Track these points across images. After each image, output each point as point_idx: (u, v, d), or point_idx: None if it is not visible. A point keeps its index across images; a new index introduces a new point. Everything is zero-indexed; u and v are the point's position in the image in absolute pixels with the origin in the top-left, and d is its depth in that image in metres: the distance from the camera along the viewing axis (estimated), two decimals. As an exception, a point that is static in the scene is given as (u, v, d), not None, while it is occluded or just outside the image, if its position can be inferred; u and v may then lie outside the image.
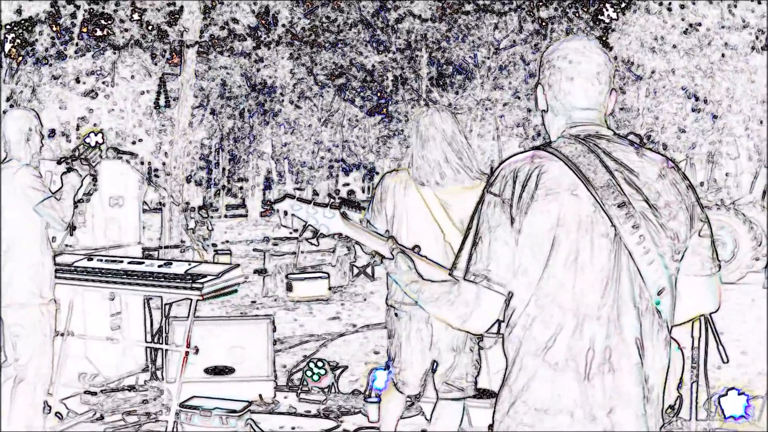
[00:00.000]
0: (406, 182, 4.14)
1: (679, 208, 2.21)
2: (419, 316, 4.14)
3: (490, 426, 5.43)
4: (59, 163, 4.96)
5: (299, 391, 6.10)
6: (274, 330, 6.18)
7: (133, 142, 16.75)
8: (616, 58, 17.32)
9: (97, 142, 4.78)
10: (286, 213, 2.68)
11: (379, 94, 24.44)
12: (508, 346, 2.23)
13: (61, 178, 4.65)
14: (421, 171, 4.12)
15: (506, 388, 2.23)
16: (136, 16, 16.11)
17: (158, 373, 6.30)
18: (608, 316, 2.13)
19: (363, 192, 34.95)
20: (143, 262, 5.43)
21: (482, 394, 5.38)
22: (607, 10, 18.02)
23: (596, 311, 2.13)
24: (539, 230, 2.14)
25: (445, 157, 4.11)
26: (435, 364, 4.26)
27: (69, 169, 4.67)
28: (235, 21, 17.55)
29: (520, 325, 2.19)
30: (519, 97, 24.85)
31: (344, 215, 2.61)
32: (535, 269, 2.15)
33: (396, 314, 4.21)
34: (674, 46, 17.31)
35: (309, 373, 6.11)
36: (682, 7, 17.02)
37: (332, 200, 2.65)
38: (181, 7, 16.54)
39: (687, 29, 17.09)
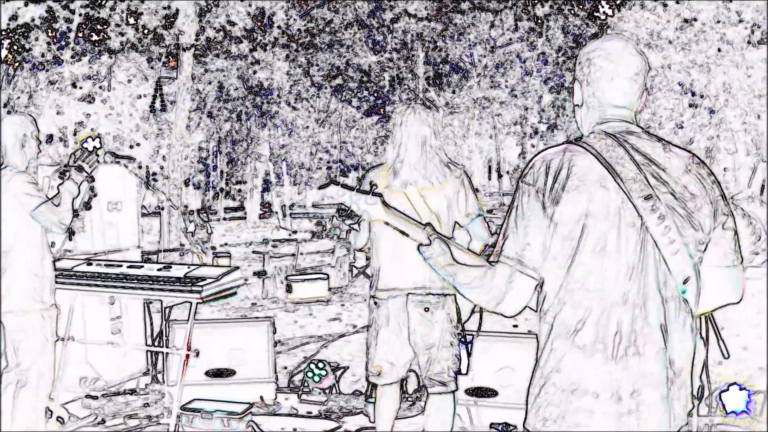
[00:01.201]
0: (387, 177, 4.36)
1: (704, 201, 2.32)
2: (397, 305, 4.29)
3: (491, 425, 5.43)
4: (56, 171, 4.97)
5: (300, 392, 6.10)
6: (275, 332, 6.18)
7: (131, 146, 16.74)
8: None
9: (94, 147, 4.76)
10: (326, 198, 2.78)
11: (376, 95, 24.44)
12: (541, 331, 2.37)
13: (58, 187, 4.64)
14: (396, 171, 4.34)
15: (538, 371, 2.37)
16: (131, 20, 16.10)
17: (159, 376, 6.30)
18: (634, 301, 2.25)
19: (361, 192, 34.78)
20: (142, 266, 5.43)
21: (482, 393, 5.38)
22: (602, 6, 18.02)
23: (622, 297, 2.26)
24: (569, 219, 2.27)
25: (417, 158, 4.34)
26: (414, 362, 4.35)
27: (63, 177, 4.66)
28: (231, 23, 17.55)
29: (551, 310, 2.32)
30: (516, 96, 24.86)
31: (384, 203, 2.68)
32: (565, 256, 2.28)
33: (375, 302, 4.35)
34: (670, 42, 17.31)
35: (310, 375, 6.11)
36: (678, 2, 17.03)
37: (374, 187, 2.73)
38: (177, 10, 16.54)
39: (682, 24, 17.10)
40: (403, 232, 2.67)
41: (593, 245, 2.26)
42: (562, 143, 2.40)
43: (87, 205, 4.99)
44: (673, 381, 2.29)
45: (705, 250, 2.33)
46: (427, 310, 4.28)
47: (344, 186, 2.71)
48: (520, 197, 2.36)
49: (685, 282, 2.28)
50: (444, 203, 4.31)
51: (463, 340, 4.43)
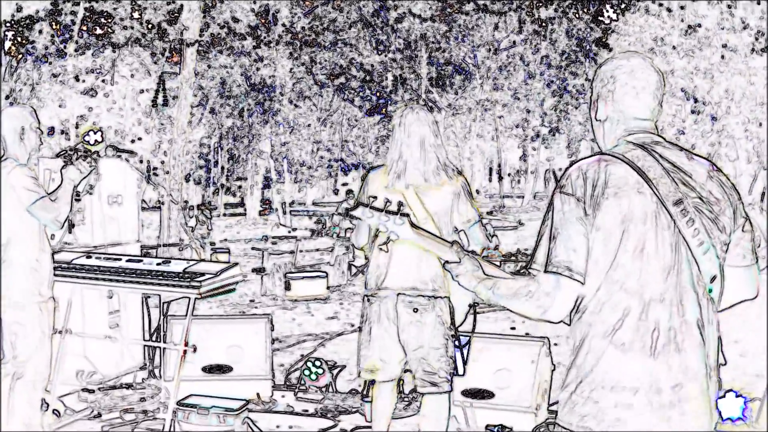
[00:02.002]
0: (387, 178, 4.41)
1: (726, 205, 2.48)
2: (388, 304, 4.35)
3: (487, 426, 5.42)
4: (58, 156, 4.95)
5: (297, 390, 6.10)
6: (272, 329, 6.18)
7: (133, 141, 16.75)
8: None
9: (96, 141, 4.76)
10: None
11: (378, 94, 24.45)
12: (576, 331, 2.45)
13: (61, 173, 4.64)
14: (395, 171, 4.39)
15: (573, 370, 2.45)
16: (136, 15, 16.11)
17: (156, 371, 6.30)
18: (671, 299, 2.38)
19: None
20: (142, 260, 5.42)
21: (478, 394, 5.39)
22: (607, 11, 18.03)
23: (660, 295, 2.38)
24: (611, 224, 2.38)
25: (416, 159, 4.39)
26: (407, 362, 4.40)
27: (66, 163, 4.66)
28: (235, 20, 17.55)
29: (589, 310, 2.42)
30: (518, 98, 24.88)
31: (412, 223, 2.71)
32: (606, 259, 2.39)
33: (369, 300, 4.40)
34: (674, 47, 17.31)
35: (307, 373, 6.12)
36: (682, 8, 17.03)
37: (402, 207, 2.74)
38: (181, 5, 16.54)
39: (686, 30, 17.09)
40: (430, 251, 2.71)
41: (633, 247, 2.38)
42: (592, 155, 2.52)
43: (90, 188, 4.98)
44: (710, 375, 2.41)
45: (727, 251, 2.49)
46: (416, 311, 4.31)
47: (373, 208, 2.72)
48: (560, 207, 2.45)
49: (712, 280, 2.43)
50: (441, 205, 4.34)
51: (457, 343, 4.45)
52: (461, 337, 4.49)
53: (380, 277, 4.37)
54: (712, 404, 2.43)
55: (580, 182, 2.44)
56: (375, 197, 2.79)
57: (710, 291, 2.44)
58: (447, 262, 2.68)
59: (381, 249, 4.08)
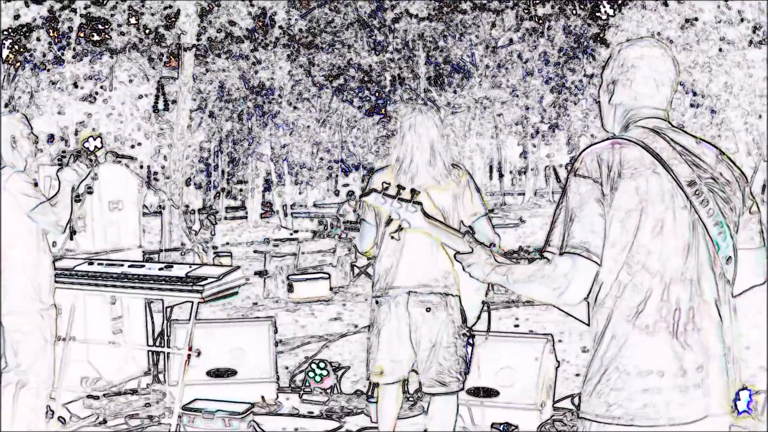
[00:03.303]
0: (394, 179, 4.40)
1: (736, 186, 2.51)
2: (400, 303, 4.31)
3: (492, 424, 5.42)
4: (59, 161, 4.96)
5: (302, 392, 6.10)
6: (276, 331, 6.18)
7: (132, 146, 16.74)
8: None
9: (95, 147, 4.76)
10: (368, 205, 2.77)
11: (377, 95, 24.43)
12: (598, 318, 2.44)
13: (57, 176, 4.64)
14: (406, 171, 4.39)
15: (596, 360, 2.44)
16: (133, 20, 16.11)
17: (160, 376, 6.30)
18: (691, 278, 2.39)
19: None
20: (144, 266, 5.43)
21: (483, 392, 5.38)
22: (603, 6, 18.02)
23: (680, 275, 2.38)
24: (629, 204, 2.39)
25: (426, 161, 4.40)
26: (415, 363, 4.36)
27: (62, 165, 4.66)
28: (233, 23, 17.55)
29: (611, 295, 2.41)
30: (517, 95, 24.85)
31: (425, 212, 2.66)
32: (624, 240, 2.38)
33: (377, 302, 4.35)
34: (671, 41, 17.30)
35: (311, 374, 6.11)
36: (679, 2, 17.02)
37: (415, 194, 2.71)
38: (178, 10, 16.53)
39: (683, 24, 17.08)
40: (443, 242, 2.68)
41: (652, 227, 2.38)
42: (605, 140, 2.53)
43: (90, 190, 4.98)
44: (727, 356, 2.41)
45: (737, 232, 2.51)
46: (428, 310, 4.29)
47: (385, 194, 2.68)
48: (576, 189, 2.44)
49: (727, 262, 2.44)
50: (449, 201, 4.35)
51: (471, 341, 4.44)
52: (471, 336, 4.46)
53: (390, 276, 4.35)
54: (730, 384, 2.44)
55: (595, 165, 2.43)
56: (389, 184, 2.77)
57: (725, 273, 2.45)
58: (458, 253, 2.65)
59: (392, 237, 4.09)
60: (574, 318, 2.61)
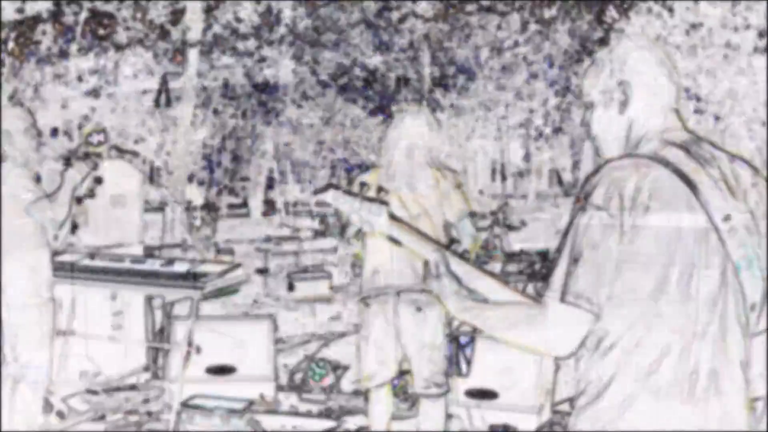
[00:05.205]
0: (380, 180, 4.34)
1: (763, 215, 2.12)
2: (388, 305, 4.30)
3: (491, 427, 5.42)
4: (63, 161, 4.97)
5: (301, 390, 6.10)
6: (276, 329, 6.17)
7: (136, 141, 16.73)
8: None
9: (99, 141, 4.77)
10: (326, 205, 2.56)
11: (381, 94, 24.45)
12: (598, 372, 2.07)
13: (62, 175, 4.64)
14: (388, 174, 4.35)
15: (590, 414, 2.09)
16: (138, 15, 16.12)
17: (160, 372, 6.30)
18: (714, 335, 2.02)
19: (365, 192, 34.80)
20: (145, 261, 5.43)
21: (482, 394, 5.38)
22: (609, 10, 18.00)
23: (703, 330, 2.01)
24: (655, 248, 1.99)
25: (402, 159, 4.37)
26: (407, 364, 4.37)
27: (67, 165, 4.66)
28: (238, 20, 17.56)
29: (619, 347, 2.04)
30: (521, 98, 24.87)
31: (392, 215, 2.29)
32: (646, 287, 2.00)
33: (366, 304, 4.30)
34: (677, 47, 17.28)
35: (311, 373, 6.11)
36: (687, 9, 17.00)
37: (381, 193, 2.44)
38: (184, 6, 16.54)
39: (688, 29, 17.07)
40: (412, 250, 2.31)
41: (679, 273, 1.99)
42: (627, 155, 2.12)
43: (91, 193, 4.98)
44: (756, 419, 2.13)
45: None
46: (419, 309, 4.26)
47: (346, 192, 2.35)
48: (587, 223, 2.02)
49: (752, 309, 2.07)
50: (433, 200, 4.32)
51: (463, 340, 4.43)
52: (462, 337, 4.46)
53: (377, 276, 4.32)
54: None
55: (614, 193, 2.00)
56: (364, 183, 2.62)
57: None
58: (426, 276, 2.24)
59: (349, 242, 3.99)
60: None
